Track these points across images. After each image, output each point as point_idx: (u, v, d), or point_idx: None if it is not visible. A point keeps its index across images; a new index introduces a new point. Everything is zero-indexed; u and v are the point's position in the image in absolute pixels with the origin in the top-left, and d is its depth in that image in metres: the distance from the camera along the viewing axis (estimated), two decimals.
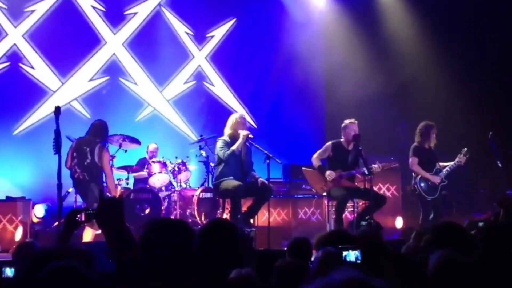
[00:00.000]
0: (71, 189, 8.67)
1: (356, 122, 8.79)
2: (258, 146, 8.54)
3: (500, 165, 8.92)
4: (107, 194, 8.41)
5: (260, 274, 3.41)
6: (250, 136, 8.36)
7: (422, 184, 8.87)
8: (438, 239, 3.49)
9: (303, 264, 3.60)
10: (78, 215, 3.49)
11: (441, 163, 9.04)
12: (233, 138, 8.36)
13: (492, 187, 10.70)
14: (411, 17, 12.28)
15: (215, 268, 2.89)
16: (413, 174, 9.04)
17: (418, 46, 12.15)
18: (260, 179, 8.29)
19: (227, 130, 8.47)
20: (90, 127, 8.42)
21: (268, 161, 8.09)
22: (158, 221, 2.69)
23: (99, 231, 3.60)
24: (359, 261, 3.05)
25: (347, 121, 8.82)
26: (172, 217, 9.53)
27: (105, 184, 8.48)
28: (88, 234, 7.67)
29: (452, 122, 10.93)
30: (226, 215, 8.93)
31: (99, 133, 8.34)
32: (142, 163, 10.09)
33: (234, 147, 8.24)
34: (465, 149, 8.90)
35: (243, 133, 8.28)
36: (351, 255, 3.09)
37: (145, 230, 2.59)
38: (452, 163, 8.92)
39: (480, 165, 10.48)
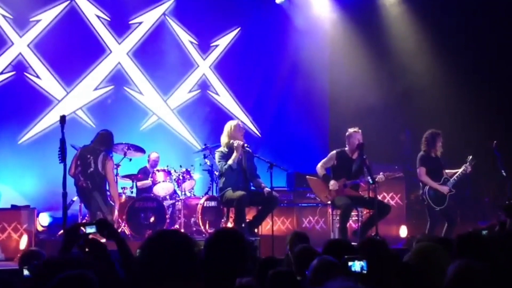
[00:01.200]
0: (75, 198, 8.71)
1: (360, 131, 8.80)
2: (258, 156, 8.55)
3: (504, 173, 8.91)
4: (111, 202, 8.44)
5: (262, 282, 3.42)
6: (246, 145, 8.38)
7: (431, 194, 8.87)
8: (461, 249, 3.48)
9: (292, 272, 3.60)
10: (81, 229, 3.51)
11: (447, 171, 9.05)
12: (230, 147, 8.39)
13: (496, 196, 10.68)
14: (415, 26, 12.28)
15: (222, 277, 2.89)
16: (421, 184, 9.04)
17: (422, 54, 12.15)
18: (266, 188, 8.30)
19: (224, 139, 8.51)
20: (96, 136, 8.49)
21: (271, 169, 8.10)
22: (156, 236, 2.66)
23: (104, 239, 3.61)
24: (364, 271, 3.04)
25: (351, 130, 8.83)
26: (177, 225, 9.55)
27: (108, 193, 8.51)
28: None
29: (456, 130, 10.91)
30: (230, 224, 8.94)
31: (104, 142, 8.39)
32: (143, 172, 10.10)
33: (230, 161, 8.28)
34: (470, 157, 8.90)
35: (235, 144, 8.31)
36: (357, 265, 3.08)
37: (144, 245, 2.58)
38: (459, 171, 8.92)
39: (485, 174, 10.47)
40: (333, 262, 3.34)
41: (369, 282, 1.46)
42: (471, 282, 2.84)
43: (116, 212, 8.53)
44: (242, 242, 3.03)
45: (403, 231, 10.61)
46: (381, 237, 7.71)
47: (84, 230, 3.51)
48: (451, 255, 3.50)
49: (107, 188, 8.48)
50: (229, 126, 8.62)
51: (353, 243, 5.99)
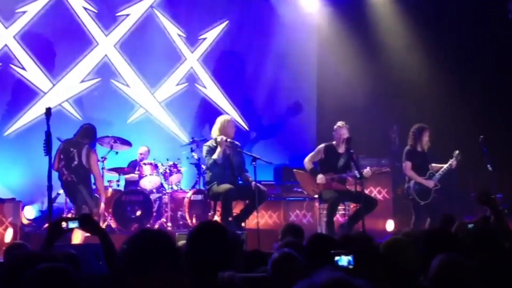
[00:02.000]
0: (61, 191, 8.65)
1: (346, 125, 8.81)
2: (242, 150, 8.55)
3: (490, 168, 8.95)
4: (96, 195, 8.38)
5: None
6: (229, 140, 8.36)
7: (416, 189, 8.90)
8: (430, 245, 3.50)
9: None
10: (64, 224, 3.51)
11: (433, 165, 9.08)
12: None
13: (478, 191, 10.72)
14: (404, 21, 12.29)
15: (205, 270, 2.87)
16: (406, 178, 9.07)
17: (410, 48, 12.17)
18: (254, 182, 8.28)
19: (214, 133, 8.50)
20: (79, 130, 8.44)
21: (254, 163, 8.08)
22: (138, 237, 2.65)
23: (89, 234, 3.62)
24: (351, 266, 3.04)
25: (338, 124, 8.84)
26: (163, 219, 9.52)
27: (94, 186, 8.46)
28: (78, 237, 7.62)
29: (443, 124, 10.96)
30: (217, 218, 8.93)
31: (87, 135, 8.34)
32: (134, 165, 10.06)
33: (215, 156, 8.30)
34: (457, 151, 8.94)
35: (218, 139, 8.30)
36: (343, 260, 3.08)
37: (129, 240, 2.57)
38: (445, 166, 8.96)
39: (471, 168, 10.52)
40: (294, 255, 3.33)
41: (356, 277, 1.46)
42: (454, 275, 2.86)
43: (102, 205, 8.48)
44: (225, 234, 3.01)
45: (390, 225, 10.65)
46: (364, 233, 7.75)
47: (67, 225, 3.51)
48: (419, 250, 3.54)
49: (92, 181, 8.42)
50: (222, 120, 8.61)
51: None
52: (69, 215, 8.35)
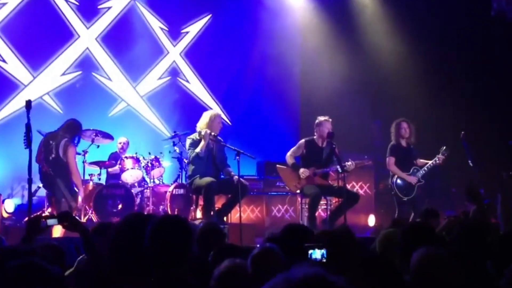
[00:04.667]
0: (41, 184, 8.57)
1: (330, 119, 8.81)
2: (225, 144, 8.53)
3: (471, 164, 8.99)
4: (75, 189, 8.31)
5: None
6: (213, 133, 8.33)
7: (399, 184, 8.93)
8: (408, 239, 3.52)
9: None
10: (43, 221, 3.50)
11: (420, 160, 9.11)
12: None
13: (464, 186, 10.78)
14: (389, 17, 12.32)
15: (167, 262, 2.87)
16: (390, 173, 9.10)
17: (393, 44, 12.19)
18: (236, 176, 8.25)
19: (200, 126, 8.45)
20: (63, 123, 8.37)
21: (238, 157, 8.06)
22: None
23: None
24: (324, 260, 3.07)
25: (321, 118, 8.83)
26: (145, 213, 9.47)
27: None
28: (58, 230, 7.57)
29: (426, 120, 10.99)
30: (199, 212, 8.92)
31: (69, 130, 8.28)
32: (114, 158, 9.99)
33: (198, 149, 8.26)
34: (444, 147, 8.96)
35: (202, 133, 8.28)
36: (317, 253, 3.10)
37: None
38: (430, 162, 8.99)
39: (453, 164, 10.58)
40: (274, 250, 3.32)
41: (329, 270, 1.46)
42: (435, 269, 2.88)
43: (80, 200, 8.41)
44: (185, 225, 3.00)
45: (371, 220, 10.71)
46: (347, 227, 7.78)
47: (45, 222, 3.49)
48: (397, 244, 3.56)
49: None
50: (210, 115, 8.57)
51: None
52: (49, 210, 8.29)
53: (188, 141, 8.52)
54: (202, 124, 8.47)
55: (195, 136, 8.47)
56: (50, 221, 3.50)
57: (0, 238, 4.47)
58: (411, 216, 8.82)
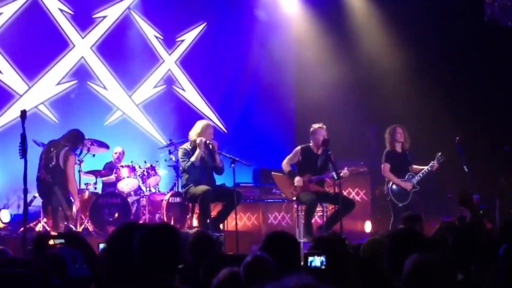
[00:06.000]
0: (37, 194, 8.57)
1: (324, 126, 8.83)
2: (221, 152, 8.53)
3: (466, 169, 8.99)
4: (71, 199, 8.30)
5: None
6: (208, 142, 8.35)
7: (394, 190, 8.94)
8: (397, 246, 3.52)
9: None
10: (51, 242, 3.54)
11: (415, 166, 9.12)
12: (195, 145, 8.39)
13: (458, 192, 10.78)
14: (383, 21, 12.33)
15: (156, 271, 2.88)
16: (386, 179, 9.11)
17: (388, 49, 12.20)
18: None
19: (192, 136, 8.48)
20: (66, 133, 8.40)
21: (233, 165, 8.08)
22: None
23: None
24: (324, 267, 3.05)
25: (315, 126, 8.85)
26: (141, 222, 9.45)
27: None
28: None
29: (421, 126, 11.00)
30: (195, 220, 8.92)
31: (70, 140, 8.33)
32: (109, 167, 9.99)
33: (193, 158, 8.30)
34: (439, 153, 8.98)
35: (198, 141, 8.30)
36: (316, 260, 3.09)
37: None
38: (425, 168, 9.00)
39: (448, 169, 10.59)
40: (266, 259, 3.31)
41: (328, 278, 1.45)
42: (427, 275, 2.88)
43: (74, 209, 8.40)
44: (174, 233, 3.01)
45: (368, 227, 10.71)
46: (338, 234, 7.78)
47: (53, 241, 3.54)
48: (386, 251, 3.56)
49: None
50: (202, 125, 8.60)
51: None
52: (44, 220, 8.28)
53: (180, 151, 8.55)
54: (193, 133, 8.50)
55: (186, 145, 8.52)
56: (57, 241, 3.54)
57: (5, 250, 4.46)
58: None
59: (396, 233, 3.75)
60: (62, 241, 3.51)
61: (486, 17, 10.27)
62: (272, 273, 3.15)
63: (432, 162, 8.98)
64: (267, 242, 3.71)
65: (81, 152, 8.52)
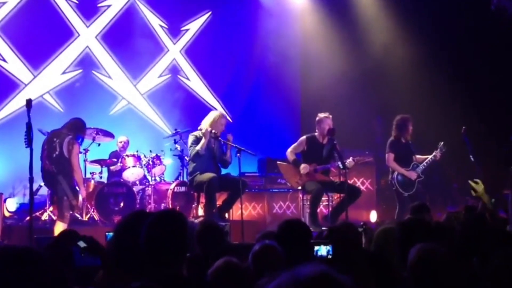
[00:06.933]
0: (43, 183, 8.57)
1: (330, 116, 8.80)
2: (227, 142, 8.51)
3: (472, 159, 8.96)
4: (77, 188, 8.29)
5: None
6: (214, 131, 8.34)
7: (399, 180, 8.91)
8: (406, 235, 3.50)
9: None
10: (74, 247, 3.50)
11: (418, 156, 9.09)
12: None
13: (465, 181, 10.76)
14: (387, 11, 12.29)
15: (163, 259, 2.86)
16: (390, 169, 9.09)
17: (394, 40, 12.16)
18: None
19: (204, 125, 8.44)
20: (67, 122, 8.36)
21: (239, 154, 8.07)
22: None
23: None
24: (330, 256, 3.04)
25: (321, 115, 8.83)
26: (147, 211, 9.46)
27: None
28: (59, 229, 7.56)
29: (427, 116, 10.98)
30: (200, 209, 8.92)
31: (73, 128, 8.27)
32: (114, 156, 9.99)
33: (198, 147, 8.29)
34: (442, 143, 8.95)
35: (203, 130, 8.29)
36: (323, 250, 3.08)
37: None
38: (429, 157, 8.97)
39: (454, 159, 10.56)
40: (274, 247, 3.30)
41: (335, 267, 1.43)
42: (432, 265, 2.87)
43: (80, 198, 8.40)
44: (181, 220, 2.98)
45: (373, 216, 10.70)
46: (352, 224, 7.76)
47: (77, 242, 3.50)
48: (396, 241, 3.54)
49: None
50: (215, 115, 8.59)
51: (323, 228, 5.96)
52: (51, 209, 8.29)
53: (190, 138, 8.52)
54: (205, 123, 8.47)
55: (198, 133, 8.48)
56: (80, 242, 3.50)
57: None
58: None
59: (405, 223, 3.74)
60: (85, 244, 3.46)
61: (493, 6, 10.20)
62: (281, 262, 3.14)
63: (435, 151, 8.95)
64: (281, 230, 3.69)
65: (82, 140, 8.47)
